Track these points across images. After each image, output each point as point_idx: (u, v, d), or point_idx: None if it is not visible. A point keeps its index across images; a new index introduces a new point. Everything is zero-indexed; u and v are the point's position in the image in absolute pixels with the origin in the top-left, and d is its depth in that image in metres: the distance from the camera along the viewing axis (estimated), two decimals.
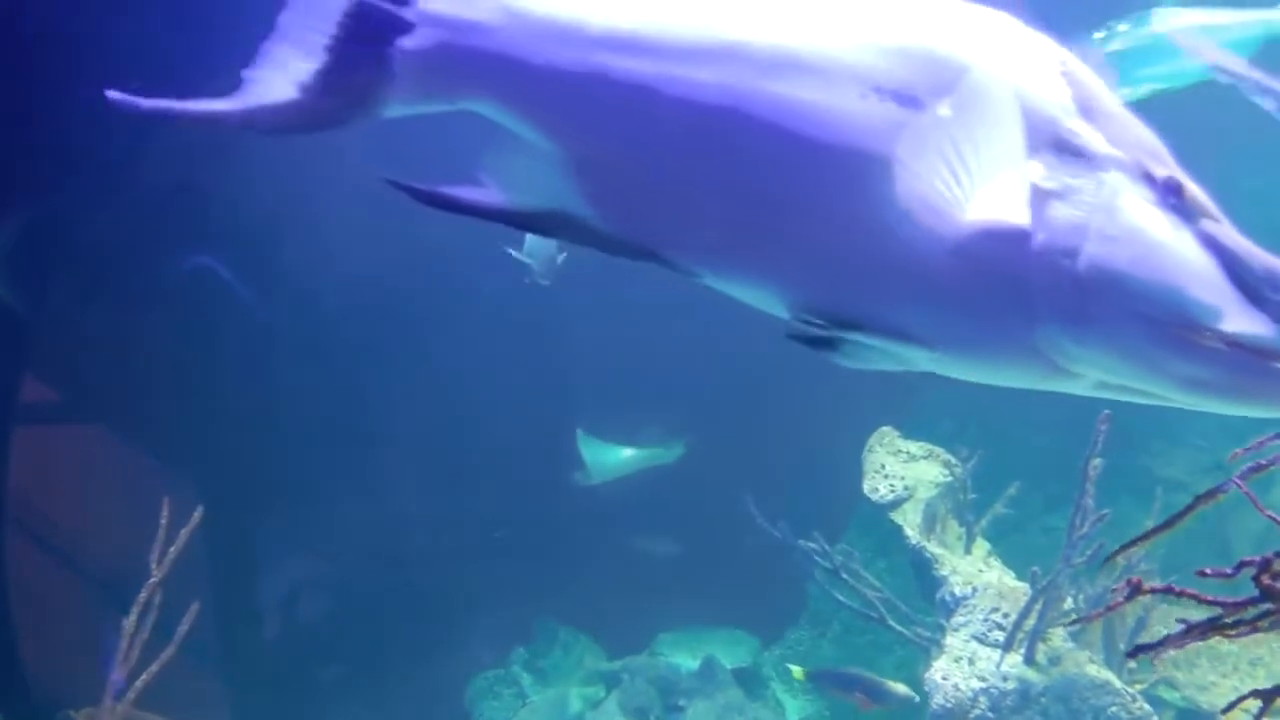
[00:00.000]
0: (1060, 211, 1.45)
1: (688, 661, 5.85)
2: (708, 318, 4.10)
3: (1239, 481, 1.04)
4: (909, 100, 1.44)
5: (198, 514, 4.28)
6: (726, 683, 5.63)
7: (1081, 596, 4.48)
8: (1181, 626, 1.22)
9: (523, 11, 1.47)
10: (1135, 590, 1.05)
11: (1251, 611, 1.04)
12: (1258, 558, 1.04)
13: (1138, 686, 4.41)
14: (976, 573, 4.76)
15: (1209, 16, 4.63)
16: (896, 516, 5.06)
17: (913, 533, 4.92)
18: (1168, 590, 1.06)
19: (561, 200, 1.49)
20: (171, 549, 4.20)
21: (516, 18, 1.47)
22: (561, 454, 5.90)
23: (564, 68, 1.46)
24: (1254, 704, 1.30)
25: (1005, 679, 4.30)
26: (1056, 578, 4.28)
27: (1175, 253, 1.44)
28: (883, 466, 5.23)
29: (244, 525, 5.93)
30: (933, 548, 4.84)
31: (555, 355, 6.04)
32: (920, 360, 1.53)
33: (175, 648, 4.15)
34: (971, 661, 4.37)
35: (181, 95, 1.44)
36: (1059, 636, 4.46)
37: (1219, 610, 1.20)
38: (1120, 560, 3.67)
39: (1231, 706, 1.41)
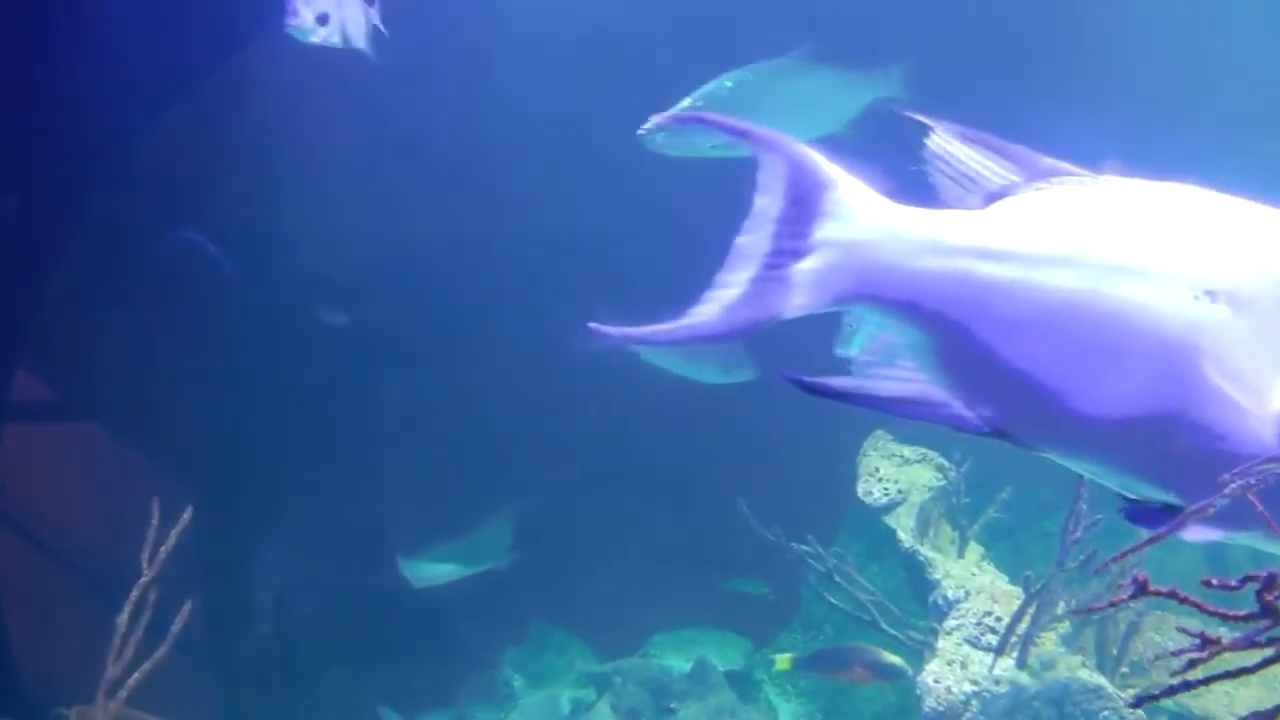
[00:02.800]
0: None
1: (680, 664, 5.84)
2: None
3: (1252, 498, 1.04)
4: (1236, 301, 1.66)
5: (187, 513, 4.27)
6: (719, 685, 5.62)
7: (1074, 601, 4.48)
8: (1179, 632, 1.22)
9: (902, 230, 1.77)
10: (1141, 589, 1.05)
11: (1261, 636, 1.04)
12: (1263, 573, 1.03)
13: (1130, 692, 4.41)
14: (969, 576, 4.76)
15: (820, 78, 4.76)
16: (890, 520, 5.06)
17: (906, 536, 4.92)
18: (1171, 595, 1.06)
19: (924, 386, 1.80)
20: (162, 548, 4.18)
21: (896, 235, 1.76)
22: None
23: (935, 273, 1.76)
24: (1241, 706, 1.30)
25: (997, 683, 4.31)
26: (1050, 582, 4.28)
27: None
28: (876, 470, 5.23)
29: (233, 524, 5.91)
30: (926, 551, 4.84)
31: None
32: (1243, 540, 1.66)
33: (168, 647, 4.14)
34: (964, 665, 4.37)
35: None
36: (1051, 641, 4.47)
37: (1218, 624, 1.20)
38: (1113, 567, 3.67)
39: None
